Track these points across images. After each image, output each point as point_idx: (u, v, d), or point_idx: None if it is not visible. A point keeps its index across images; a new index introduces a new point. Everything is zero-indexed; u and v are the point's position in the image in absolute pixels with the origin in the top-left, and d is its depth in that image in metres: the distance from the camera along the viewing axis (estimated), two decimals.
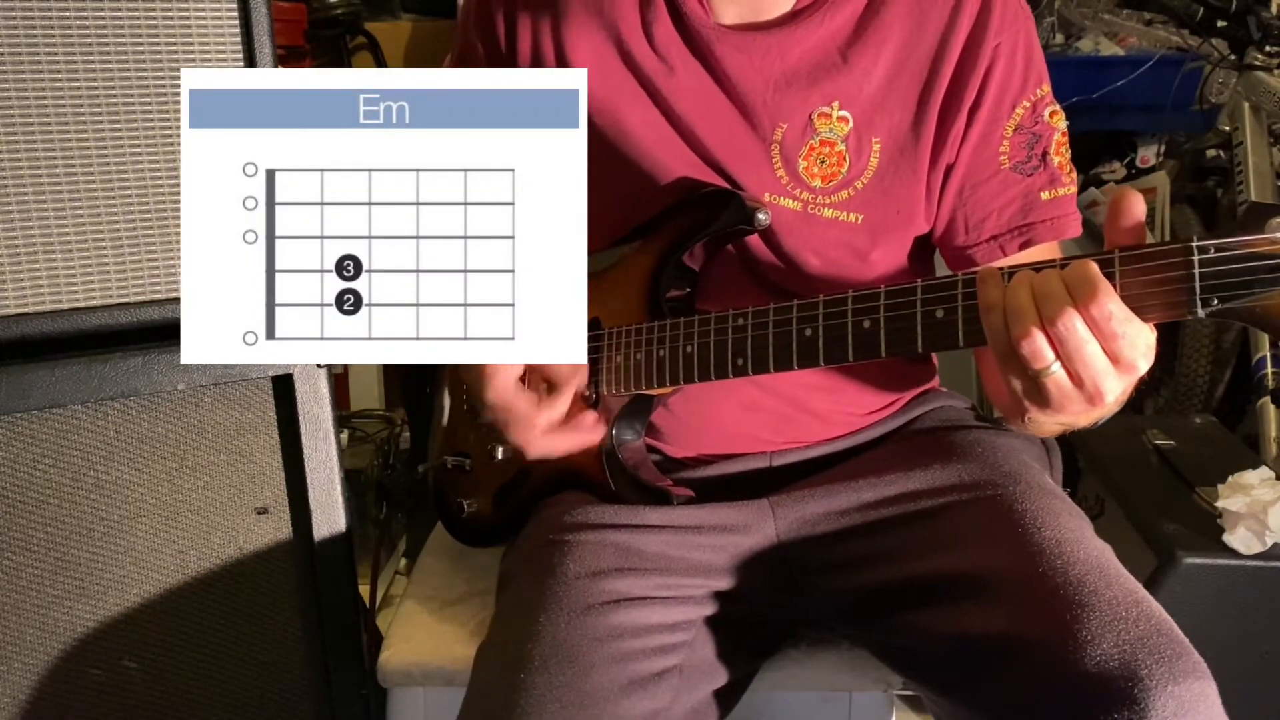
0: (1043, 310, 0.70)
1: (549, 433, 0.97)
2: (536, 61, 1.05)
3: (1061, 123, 0.98)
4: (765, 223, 0.95)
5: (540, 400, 0.96)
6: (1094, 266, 0.69)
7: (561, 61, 1.03)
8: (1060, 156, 0.98)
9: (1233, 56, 2.20)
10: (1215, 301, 0.66)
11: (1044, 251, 0.98)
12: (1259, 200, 2.05)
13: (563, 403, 0.96)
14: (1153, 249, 0.68)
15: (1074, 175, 0.99)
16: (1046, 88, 0.98)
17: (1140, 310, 0.69)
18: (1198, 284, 0.66)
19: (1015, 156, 0.97)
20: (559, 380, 0.96)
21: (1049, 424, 0.81)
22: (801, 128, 0.97)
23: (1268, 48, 2.12)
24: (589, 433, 0.98)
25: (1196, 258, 0.66)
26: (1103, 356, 0.69)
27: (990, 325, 0.73)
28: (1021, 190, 0.97)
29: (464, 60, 1.12)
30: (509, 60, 1.07)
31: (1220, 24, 2.18)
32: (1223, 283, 0.65)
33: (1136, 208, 0.70)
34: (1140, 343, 0.69)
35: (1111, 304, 0.68)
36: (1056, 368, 0.71)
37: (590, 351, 1.03)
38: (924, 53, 0.96)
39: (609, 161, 1.01)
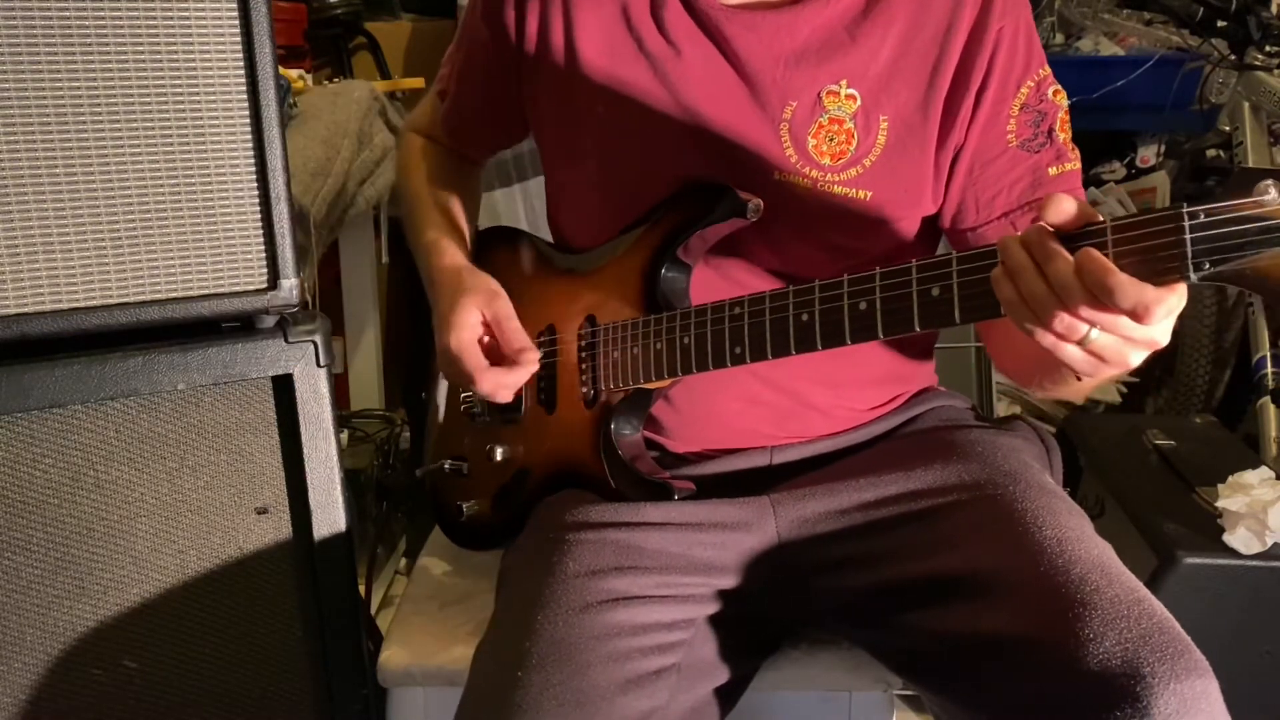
0: (1064, 299, 0.70)
1: (494, 386, 1.01)
2: (545, 45, 1.05)
3: (1064, 101, 1.00)
4: (758, 214, 0.96)
5: (489, 365, 1.01)
6: (1097, 255, 0.68)
7: (570, 44, 1.03)
8: (1064, 133, 0.99)
9: (1233, 56, 2.20)
10: (1207, 265, 0.66)
11: None
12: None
13: (514, 375, 1.01)
14: (1144, 217, 0.68)
15: (1077, 152, 1.00)
16: (1047, 69, 1.00)
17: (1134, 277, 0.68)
18: (1189, 249, 0.66)
19: (1022, 134, 0.98)
20: (502, 346, 1.01)
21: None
22: (810, 106, 0.98)
23: (1268, 48, 2.12)
24: (529, 369, 1.02)
25: (1187, 223, 0.66)
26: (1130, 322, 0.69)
27: (1026, 289, 0.72)
28: (1030, 166, 0.98)
29: (467, 47, 1.12)
30: (517, 46, 1.07)
31: (1220, 24, 2.18)
32: (1214, 246, 0.65)
33: (1064, 207, 0.71)
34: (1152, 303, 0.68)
35: (1114, 281, 0.67)
36: (1095, 333, 0.70)
37: (588, 348, 1.03)
38: (930, 35, 0.97)
39: (619, 144, 1.02)
